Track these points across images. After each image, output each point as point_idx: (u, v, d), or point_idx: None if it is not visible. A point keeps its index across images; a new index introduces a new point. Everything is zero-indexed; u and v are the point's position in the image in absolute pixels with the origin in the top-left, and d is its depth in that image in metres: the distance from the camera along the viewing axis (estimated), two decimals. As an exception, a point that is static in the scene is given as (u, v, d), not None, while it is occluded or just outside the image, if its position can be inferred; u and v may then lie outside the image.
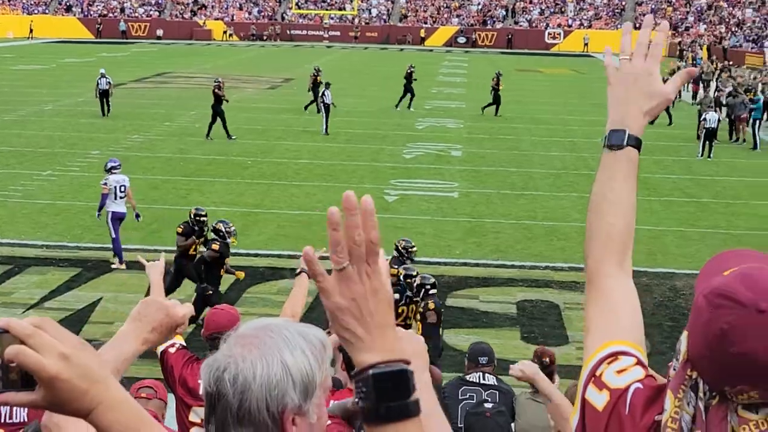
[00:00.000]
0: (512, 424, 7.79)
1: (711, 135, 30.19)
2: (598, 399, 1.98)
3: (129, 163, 24.08)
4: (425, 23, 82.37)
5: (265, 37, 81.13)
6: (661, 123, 34.39)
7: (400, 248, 13.97)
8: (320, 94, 33.44)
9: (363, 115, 37.05)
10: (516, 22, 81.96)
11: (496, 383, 8.24)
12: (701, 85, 45.97)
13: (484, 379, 8.22)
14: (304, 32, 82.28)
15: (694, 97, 44.18)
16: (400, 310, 12.37)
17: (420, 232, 20.10)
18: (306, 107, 37.18)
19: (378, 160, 28.26)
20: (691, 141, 31.79)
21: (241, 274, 15.23)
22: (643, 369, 2.02)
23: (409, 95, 38.93)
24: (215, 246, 14.18)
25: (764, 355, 1.73)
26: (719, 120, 31.38)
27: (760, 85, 39.87)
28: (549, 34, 78.97)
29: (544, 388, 5.00)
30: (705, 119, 30.43)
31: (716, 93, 37.16)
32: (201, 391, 2.00)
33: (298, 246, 18.36)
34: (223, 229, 14.41)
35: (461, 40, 79.57)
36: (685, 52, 65.27)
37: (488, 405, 5.96)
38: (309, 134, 32.28)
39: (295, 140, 31.14)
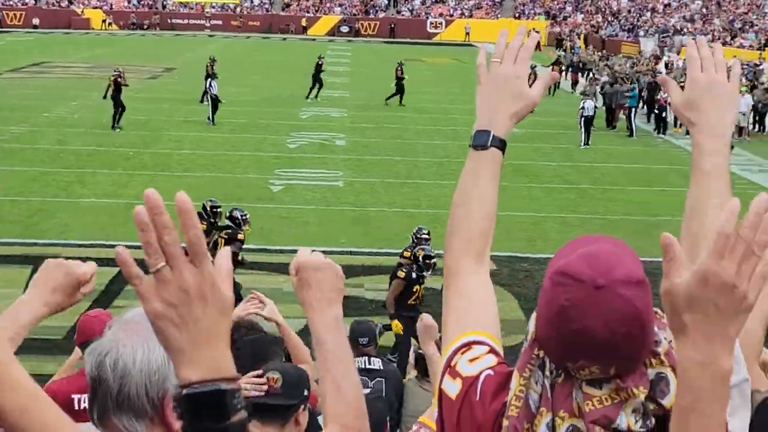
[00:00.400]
0: (401, 409, 7.85)
1: (588, 123, 30.91)
2: (452, 388, 2.01)
3: (7, 154, 23.50)
4: (308, 12, 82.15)
5: (145, 26, 79.85)
6: (541, 111, 34.93)
7: (413, 234, 14.73)
8: (207, 85, 33.09)
9: (246, 105, 36.79)
10: (398, 12, 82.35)
11: (382, 367, 8.01)
12: (580, 74, 46.97)
13: (369, 363, 7.89)
14: (186, 21, 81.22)
15: (573, 86, 45.12)
16: (414, 289, 13.39)
17: (305, 222, 20.13)
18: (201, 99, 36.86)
19: (262, 150, 28.14)
20: (571, 129, 32.43)
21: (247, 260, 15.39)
22: (496, 357, 2.05)
23: (317, 86, 39.06)
24: (240, 236, 14.52)
25: (602, 330, 1.76)
26: (596, 108, 32.15)
27: (638, 74, 40.88)
28: (431, 23, 79.55)
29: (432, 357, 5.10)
30: (583, 107, 31.14)
31: (594, 82, 37.93)
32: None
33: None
34: (239, 216, 14.77)
35: (344, 29, 79.59)
36: (563, 41, 66.48)
37: (366, 390, 5.97)
38: (192, 124, 31.95)
39: (178, 130, 30.79)
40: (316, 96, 38.80)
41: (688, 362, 1.63)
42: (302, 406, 4.43)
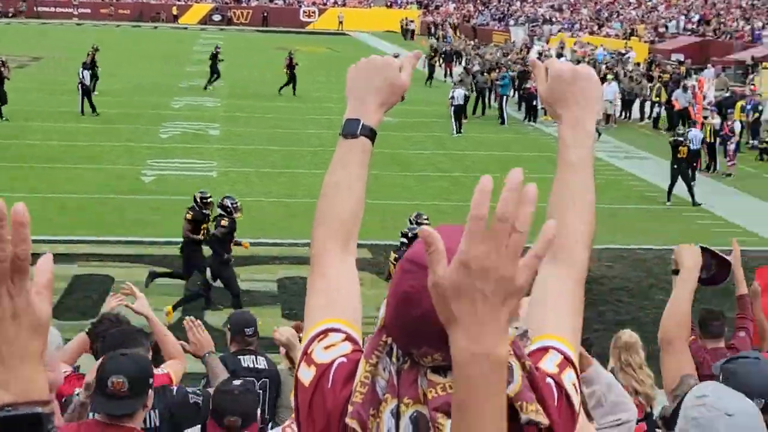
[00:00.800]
0: (277, 400, 7.84)
1: (459, 111, 31.31)
2: (306, 375, 1.99)
3: None
4: (179, 0, 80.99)
5: (11, 14, 77.59)
6: (415, 100, 35.28)
7: (411, 218, 14.62)
8: (81, 74, 32.24)
9: (117, 95, 36.13)
10: (271, 0, 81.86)
11: (267, 366, 7.76)
12: (454, 62, 47.44)
13: (257, 362, 7.69)
14: (53, 9, 79.20)
15: (446, 75, 45.54)
16: None
17: (178, 213, 19.88)
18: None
19: (134, 140, 27.69)
20: (443, 117, 32.77)
21: (247, 245, 15.67)
22: (352, 344, 2.03)
23: (215, 76, 38.74)
24: (224, 222, 14.80)
25: None
26: (467, 96, 32.57)
27: (509, 63, 41.50)
28: (304, 12, 79.36)
29: (295, 356, 5.17)
30: (453, 96, 31.50)
31: (466, 71, 38.35)
32: None
33: (55, 231, 17.83)
34: (230, 205, 15.02)
35: (216, 17, 78.76)
36: (435, 30, 67.10)
37: (236, 382, 5.99)
38: (61, 115, 31.24)
39: (47, 121, 30.07)
40: (283, 90, 38.19)
41: (461, 354, 1.57)
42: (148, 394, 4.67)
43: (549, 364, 1.98)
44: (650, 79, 36.99)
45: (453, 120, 31.26)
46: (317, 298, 2.17)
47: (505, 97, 34.27)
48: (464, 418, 1.61)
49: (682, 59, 45.50)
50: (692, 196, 22.52)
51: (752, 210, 22.37)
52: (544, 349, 2.02)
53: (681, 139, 23.32)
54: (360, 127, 2.39)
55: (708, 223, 20.89)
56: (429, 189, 23.24)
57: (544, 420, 1.83)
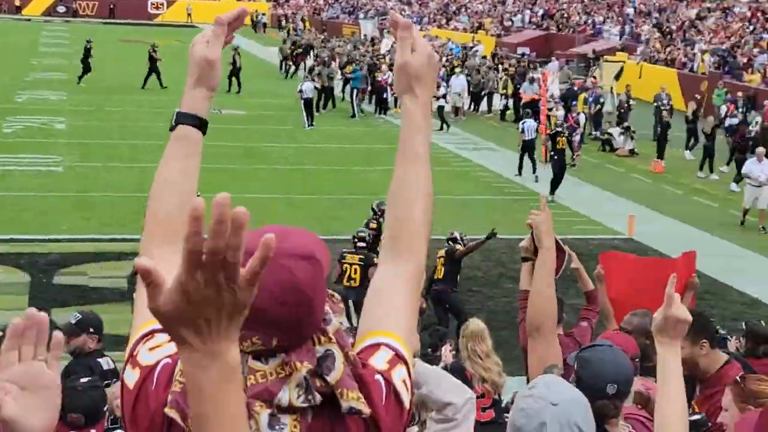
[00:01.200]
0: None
1: (309, 104, 31.26)
2: (131, 378, 1.94)
3: None
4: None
5: None
6: (266, 92, 35.12)
7: (374, 207, 15.27)
8: None
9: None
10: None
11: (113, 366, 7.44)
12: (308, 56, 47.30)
13: (109, 364, 7.45)
14: None
15: (298, 68, 45.32)
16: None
17: (24, 209, 19.40)
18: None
19: (-25, 136, 26.79)
20: (295, 110, 32.69)
21: None
22: None
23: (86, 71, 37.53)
24: None
25: (259, 298, 1.63)
26: (317, 89, 32.60)
27: (358, 56, 41.65)
28: (152, 3, 77.98)
29: None
30: (301, 90, 31.46)
31: (318, 63, 38.33)
32: None
33: None
34: None
35: (61, 9, 76.67)
36: (286, 23, 66.92)
37: (83, 380, 5.88)
38: None
39: None
40: (79, 81, 37.11)
41: (192, 368, 1.57)
42: None
43: (379, 360, 1.99)
44: (496, 71, 37.74)
45: (304, 113, 31.18)
46: (143, 299, 2.13)
47: (355, 90, 34.40)
48: (202, 428, 1.60)
49: (528, 52, 46.57)
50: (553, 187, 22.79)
51: (596, 199, 23.08)
52: (376, 346, 2.03)
53: (559, 129, 23.95)
54: (174, 116, 2.33)
55: (554, 212, 21.42)
56: (282, 182, 23.19)
57: (365, 409, 1.86)
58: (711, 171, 26.07)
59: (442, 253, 14.10)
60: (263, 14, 72.26)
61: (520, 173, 24.86)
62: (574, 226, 20.17)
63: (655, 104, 30.37)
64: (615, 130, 29.55)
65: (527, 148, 24.69)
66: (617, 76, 36.66)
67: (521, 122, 25.51)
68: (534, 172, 24.50)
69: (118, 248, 17.30)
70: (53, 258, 16.32)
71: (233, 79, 37.05)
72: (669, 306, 3.08)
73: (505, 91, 35.15)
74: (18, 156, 24.41)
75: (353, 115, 33.79)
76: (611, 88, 34.90)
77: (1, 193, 20.63)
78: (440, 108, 31.30)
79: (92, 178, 22.54)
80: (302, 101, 31.25)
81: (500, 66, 39.27)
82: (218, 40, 2.30)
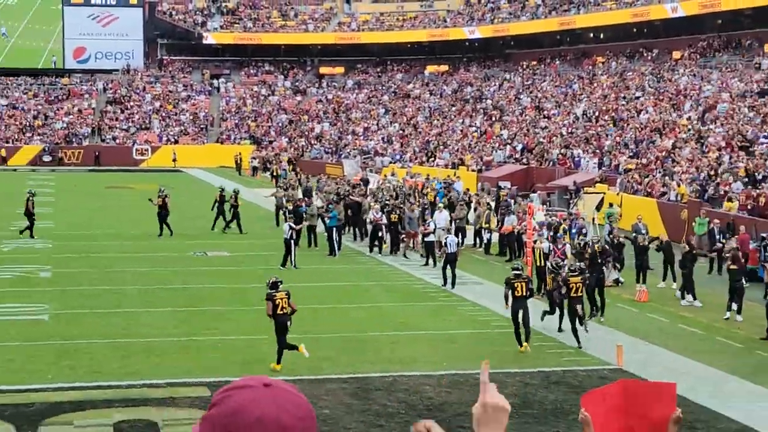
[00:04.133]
0: None
1: (288, 245, 30.95)
2: None
3: None
4: (7, 143, 79.46)
5: None
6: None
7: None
8: None
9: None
10: (102, 140, 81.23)
11: None
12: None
13: None
14: None
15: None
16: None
17: (9, 359, 19.26)
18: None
19: (-40, 287, 26.75)
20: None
21: None
22: None
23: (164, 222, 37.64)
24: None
25: (275, 415, 2.01)
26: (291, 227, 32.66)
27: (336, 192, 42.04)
28: (137, 150, 78.95)
29: None
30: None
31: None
32: None
33: None
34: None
35: (47, 158, 77.56)
36: (270, 165, 67.73)
37: None
38: None
39: None
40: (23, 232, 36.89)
41: None
42: None
43: None
44: (468, 206, 37.82)
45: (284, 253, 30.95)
46: None
47: (333, 228, 34.40)
48: None
49: (509, 186, 47.12)
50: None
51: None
52: None
53: (554, 267, 24.02)
54: None
55: (542, 345, 21.39)
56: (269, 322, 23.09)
57: None
58: (694, 298, 26.16)
59: None
60: (254, 158, 73.09)
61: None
62: (561, 358, 20.14)
63: (633, 234, 30.52)
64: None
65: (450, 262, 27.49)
66: (598, 207, 37.10)
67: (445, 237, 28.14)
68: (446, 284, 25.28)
69: (103, 395, 17.13)
70: (38, 408, 16.14)
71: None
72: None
73: (488, 225, 35.37)
74: (2, 306, 24.33)
75: (331, 253, 33.74)
76: (593, 218, 35.26)
77: (-15, 343, 20.52)
78: (429, 243, 31.60)
79: (77, 325, 22.44)
80: (286, 241, 31.08)
81: (473, 201, 39.11)
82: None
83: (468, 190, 44.66)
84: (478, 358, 20.14)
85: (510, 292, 20.97)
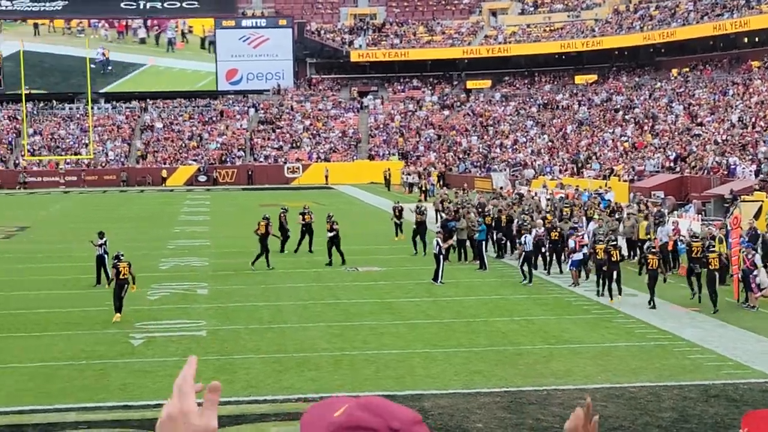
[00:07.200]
0: None
1: (438, 259, 30.92)
2: None
3: None
4: (164, 164, 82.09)
5: (-3, 185, 78.30)
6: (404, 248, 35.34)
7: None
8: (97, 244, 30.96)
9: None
10: (255, 159, 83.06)
11: None
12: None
13: None
14: (39, 179, 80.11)
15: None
16: None
17: (168, 375, 19.72)
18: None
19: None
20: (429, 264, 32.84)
21: None
22: None
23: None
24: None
25: None
26: (438, 243, 32.58)
27: (491, 207, 41.78)
28: (288, 168, 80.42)
29: None
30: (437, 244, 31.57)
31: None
32: None
33: (42, 400, 17.65)
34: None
35: (202, 178, 79.76)
36: (419, 180, 68.03)
37: None
38: (45, 283, 31.26)
39: (31, 290, 30.06)
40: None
41: None
42: None
43: None
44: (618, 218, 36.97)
45: (436, 266, 30.90)
46: None
47: (482, 242, 34.29)
48: None
49: (663, 196, 46.06)
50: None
51: (743, 341, 22.27)
52: None
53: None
54: None
55: (700, 357, 20.76)
56: (420, 336, 23.13)
57: None
58: None
59: None
60: (409, 174, 73.08)
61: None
62: (720, 371, 19.49)
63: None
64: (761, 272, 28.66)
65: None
66: (756, 215, 35.88)
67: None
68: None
69: (259, 410, 17.39)
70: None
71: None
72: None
73: (648, 236, 34.41)
74: (162, 322, 25.00)
75: (481, 267, 33.51)
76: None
77: (146, 359, 21.10)
78: (584, 257, 30.53)
79: (233, 341, 22.87)
80: (437, 256, 31.02)
81: (623, 213, 38.39)
82: (214, 407, 2.08)
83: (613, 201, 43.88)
84: (634, 372, 19.70)
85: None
